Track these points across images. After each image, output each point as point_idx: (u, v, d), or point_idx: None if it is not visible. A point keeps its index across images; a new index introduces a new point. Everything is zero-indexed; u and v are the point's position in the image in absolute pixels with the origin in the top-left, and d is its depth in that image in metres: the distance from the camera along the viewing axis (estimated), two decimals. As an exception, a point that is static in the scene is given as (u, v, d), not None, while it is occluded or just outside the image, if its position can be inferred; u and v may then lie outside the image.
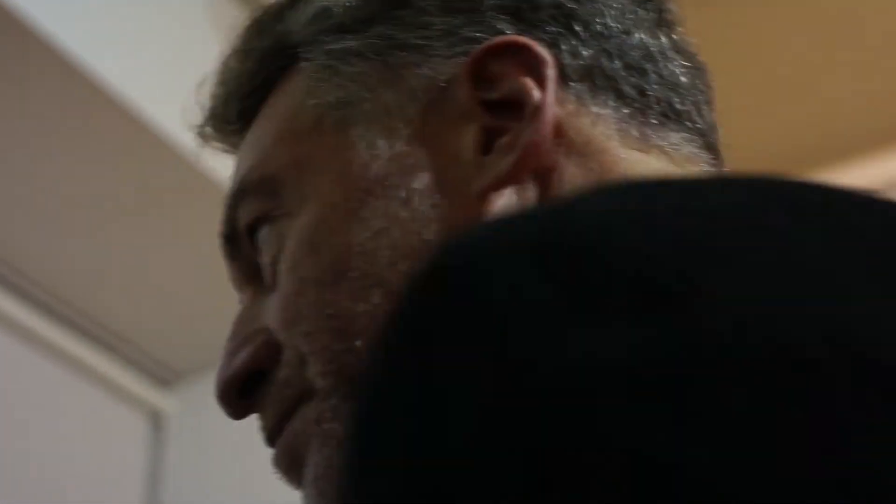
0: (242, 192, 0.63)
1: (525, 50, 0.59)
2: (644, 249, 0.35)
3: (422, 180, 0.59)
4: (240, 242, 0.64)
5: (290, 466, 0.60)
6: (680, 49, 0.65)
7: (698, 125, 0.63)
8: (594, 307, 0.34)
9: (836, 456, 0.31)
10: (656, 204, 0.37)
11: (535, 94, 0.58)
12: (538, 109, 0.58)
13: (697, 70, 0.66)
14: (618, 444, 0.31)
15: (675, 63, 0.64)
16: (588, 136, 0.59)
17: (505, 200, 0.57)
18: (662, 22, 0.65)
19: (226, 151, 0.69)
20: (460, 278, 0.36)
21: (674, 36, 0.65)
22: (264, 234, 0.62)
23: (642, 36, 0.63)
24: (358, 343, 0.56)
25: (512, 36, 0.60)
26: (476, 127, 0.59)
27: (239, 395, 0.61)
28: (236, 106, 0.67)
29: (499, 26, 0.61)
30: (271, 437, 0.61)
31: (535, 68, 0.59)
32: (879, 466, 0.32)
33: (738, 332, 0.33)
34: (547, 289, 0.34)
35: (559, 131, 0.59)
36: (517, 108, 0.59)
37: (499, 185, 0.58)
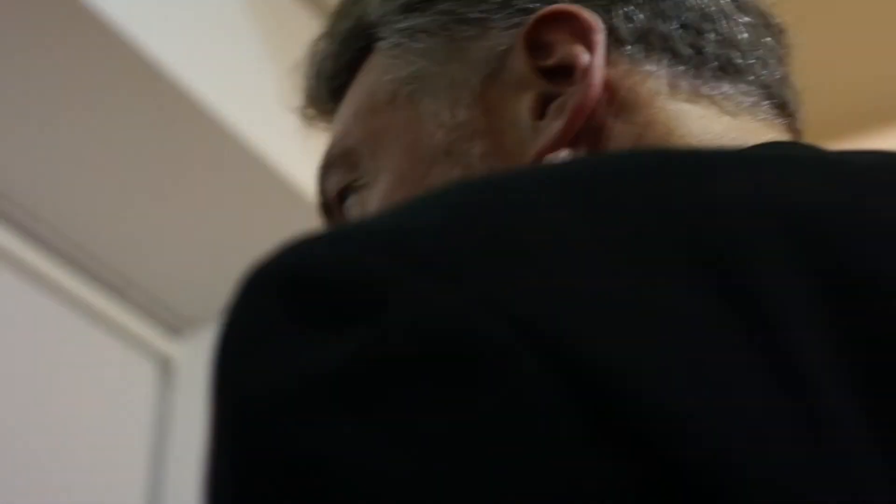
0: (328, 164, 0.68)
1: (574, 18, 0.62)
2: (360, 266, 0.39)
3: (481, 147, 0.62)
4: (333, 212, 0.69)
5: None
6: (744, 7, 0.67)
7: (762, 79, 0.65)
8: (311, 328, 0.38)
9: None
10: (405, 215, 0.41)
11: (584, 58, 0.61)
12: (586, 73, 0.61)
13: (767, 28, 0.67)
14: (300, 450, 0.36)
15: (737, 20, 0.66)
16: (637, 93, 0.62)
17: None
18: None
19: (327, 130, 0.73)
20: (235, 304, 0.41)
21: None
22: (350, 203, 0.67)
23: (706, 2, 0.65)
24: None
25: (561, 5, 0.63)
26: (533, 93, 0.62)
27: None
28: (326, 86, 0.71)
29: None
30: None
31: (584, 35, 0.62)
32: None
33: (414, 336, 0.36)
34: (280, 316, 0.39)
35: (610, 92, 0.62)
36: (570, 74, 0.62)
37: (552, 147, 0.60)
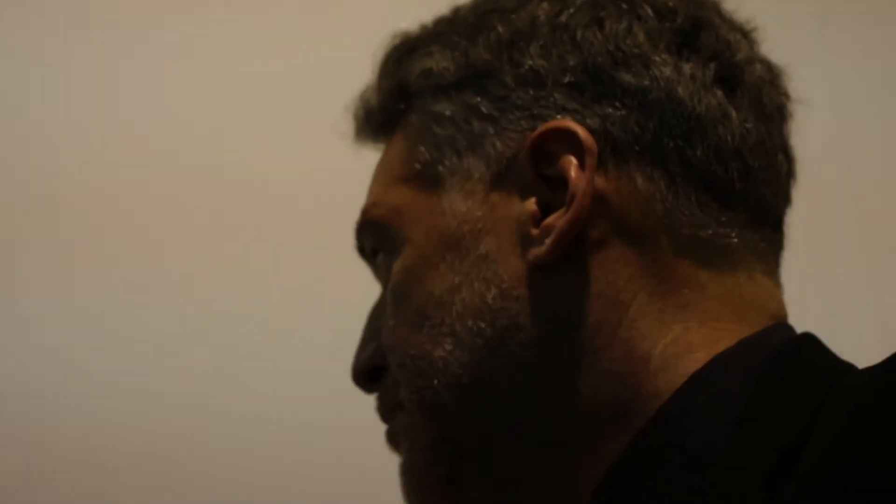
0: (361, 227, 0.75)
1: (571, 134, 0.66)
2: None
3: (487, 246, 0.67)
4: (370, 258, 0.76)
5: (394, 448, 0.74)
6: (744, 105, 0.69)
7: (749, 196, 0.68)
8: None
9: None
10: None
11: (575, 178, 0.65)
12: (573, 196, 0.65)
13: (770, 121, 0.70)
14: None
15: (734, 125, 0.68)
16: (639, 217, 0.66)
17: (557, 274, 0.65)
18: (724, 78, 0.69)
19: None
20: None
21: (739, 90, 0.69)
22: (379, 261, 0.74)
23: (695, 104, 0.67)
24: (435, 382, 0.67)
25: (562, 121, 0.66)
26: (534, 200, 0.66)
27: (368, 379, 0.74)
28: (372, 128, 0.77)
29: (561, 103, 0.67)
30: (384, 419, 0.74)
31: (579, 152, 0.66)
32: None
33: None
34: None
35: (606, 208, 0.65)
36: (566, 187, 0.65)
37: (543, 261, 0.65)
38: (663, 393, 0.62)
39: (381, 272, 0.74)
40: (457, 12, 0.74)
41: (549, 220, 0.65)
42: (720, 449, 0.57)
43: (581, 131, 0.66)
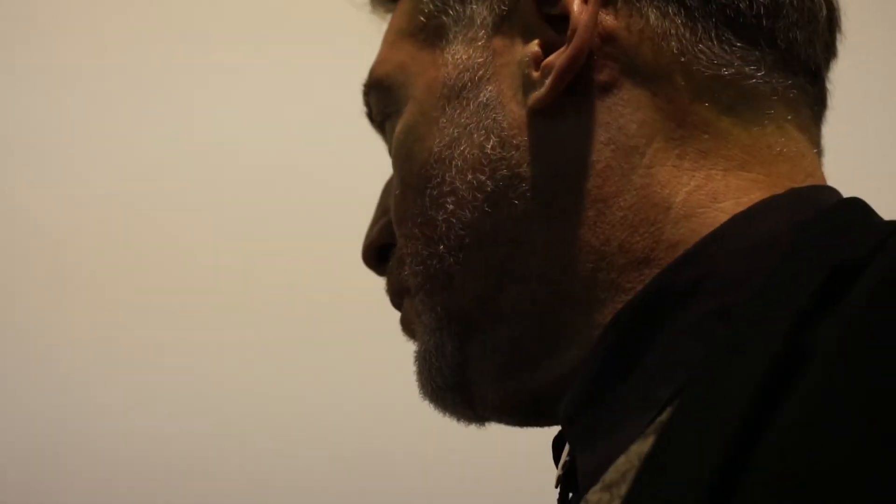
0: (369, 85, 0.70)
1: None
2: None
3: (488, 94, 0.63)
4: (380, 126, 0.72)
5: (409, 335, 0.70)
6: None
7: (779, 37, 0.61)
8: None
9: None
10: None
11: (577, 12, 0.60)
12: (574, 31, 0.60)
13: None
14: None
15: None
16: (654, 54, 0.60)
17: (561, 119, 0.60)
18: None
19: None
20: None
21: None
22: (388, 128, 0.70)
23: None
24: (441, 248, 0.63)
25: None
26: (537, 42, 0.62)
27: (377, 259, 0.71)
28: None
29: None
30: (393, 303, 0.71)
31: None
32: None
33: None
34: None
35: (614, 48, 0.60)
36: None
37: (543, 104, 0.60)
38: (689, 241, 0.57)
39: (390, 139, 0.70)
40: None
41: (549, 59, 0.61)
42: (756, 300, 0.51)
43: None
